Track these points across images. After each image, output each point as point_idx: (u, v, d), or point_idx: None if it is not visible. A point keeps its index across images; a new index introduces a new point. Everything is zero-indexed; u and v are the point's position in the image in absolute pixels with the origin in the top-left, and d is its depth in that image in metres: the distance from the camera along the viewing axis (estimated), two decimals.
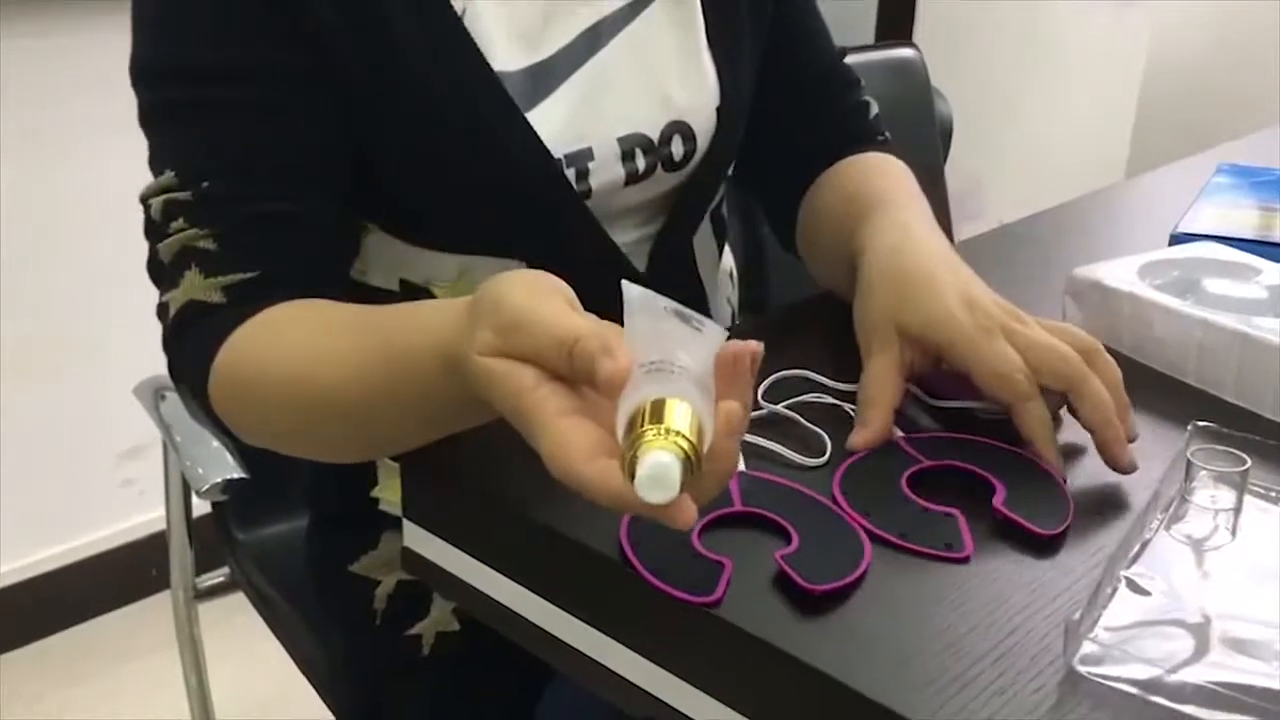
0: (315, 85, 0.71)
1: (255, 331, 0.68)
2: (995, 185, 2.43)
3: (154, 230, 0.71)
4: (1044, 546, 0.59)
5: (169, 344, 0.72)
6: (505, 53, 0.74)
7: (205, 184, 0.69)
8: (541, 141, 0.74)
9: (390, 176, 0.75)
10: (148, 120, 0.73)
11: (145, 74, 0.72)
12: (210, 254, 0.69)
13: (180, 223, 0.69)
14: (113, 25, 1.68)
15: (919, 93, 1.48)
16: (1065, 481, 0.64)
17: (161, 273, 0.71)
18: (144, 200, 0.71)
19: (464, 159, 0.74)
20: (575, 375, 0.49)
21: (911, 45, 1.51)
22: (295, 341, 0.67)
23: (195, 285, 0.69)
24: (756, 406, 0.69)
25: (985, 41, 2.39)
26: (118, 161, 1.69)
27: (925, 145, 1.49)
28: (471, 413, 0.59)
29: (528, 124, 0.74)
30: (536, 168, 0.74)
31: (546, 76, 0.76)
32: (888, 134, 0.93)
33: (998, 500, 0.61)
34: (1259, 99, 2.56)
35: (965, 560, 0.58)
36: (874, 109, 0.95)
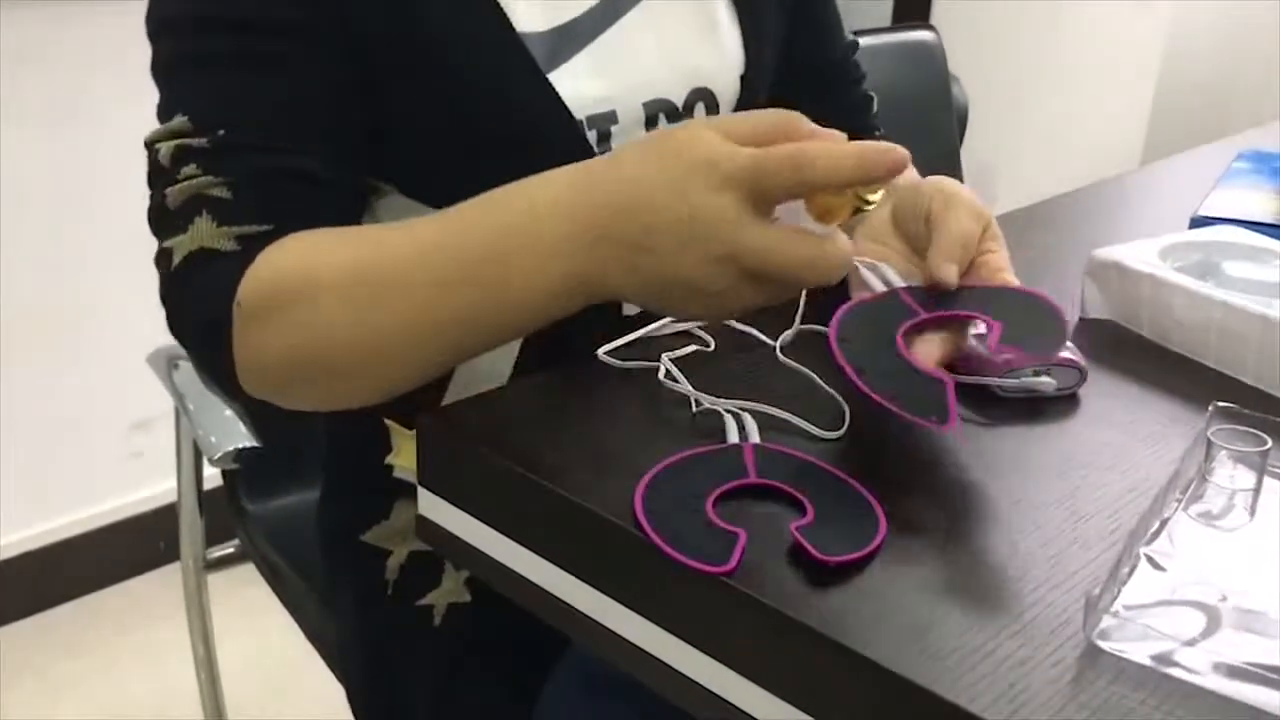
0: (334, 45, 0.70)
1: (292, 245, 0.66)
2: (1008, 172, 2.42)
3: (161, 175, 0.69)
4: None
5: (171, 291, 0.69)
6: (526, 15, 0.74)
7: (222, 132, 0.68)
8: (562, 101, 0.74)
9: (411, 137, 0.75)
10: (166, 67, 0.71)
11: (167, 22, 0.71)
12: (224, 202, 0.67)
13: (192, 169, 0.68)
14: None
15: (937, 77, 1.47)
16: (1060, 310, 0.65)
17: (164, 218, 0.69)
18: (150, 144, 0.70)
19: (485, 117, 0.74)
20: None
21: (930, 28, 1.50)
22: (348, 239, 0.66)
23: (205, 232, 0.67)
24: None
25: (1002, 27, 2.38)
26: (128, 131, 1.70)
27: (942, 130, 1.49)
28: (562, 278, 0.61)
29: (549, 83, 0.74)
30: (557, 127, 0.74)
31: (568, 40, 0.76)
32: (883, 130, 0.95)
33: (993, 339, 0.63)
34: (1276, 93, 2.55)
35: (947, 430, 0.59)
36: (875, 105, 0.96)
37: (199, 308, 0.67)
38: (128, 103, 1.68)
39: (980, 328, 0.66)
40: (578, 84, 0.75)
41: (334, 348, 0.65)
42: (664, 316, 0.70)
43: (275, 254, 0.66)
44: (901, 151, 0.57)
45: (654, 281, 0.59)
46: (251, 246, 0.67)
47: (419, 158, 0.76)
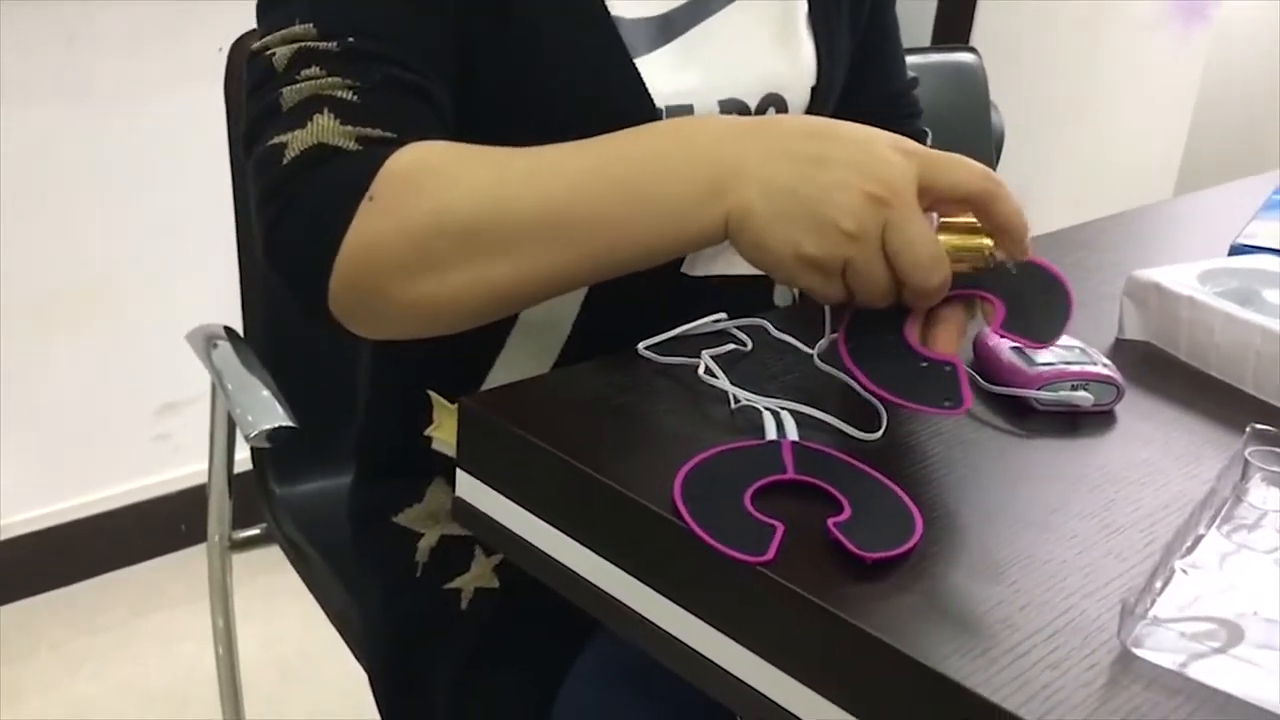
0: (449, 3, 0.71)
1: (427, 144, 0.65)
2: (1041, 198, 2.42)
3: (274, 78, 0.67)
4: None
5: (283, 186, 0.65)
6: (621, 1, 0.76)
7: (351, 39, 0.67)
8: (646, 88, 0.76)
9: (494, 109, 0.76)
10: None
11: None
12: (348, 104, 0.66)
13: (315, 70, 0.66)
14: None
15: (977, 98, 1.48)
16: (1068, 287, 0.65)
17: (274, 118, 0.67)
18: (261, 50, 0.68)
19: (570, 95, 0.75)
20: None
21: (971, 50, 1.51)
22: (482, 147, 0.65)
23: (327, 129, 0.65)
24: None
25: (1039, 53, 2.38)
26: (175, 114, 1.72)
27: (979, 151, 1.50)
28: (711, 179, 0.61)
29: (636, 70, 0.76)
30: (638, 114, 0.75)
31: (659, 30, 0.78)
32: None
33: (997, 323, 0.64)
34: None
35: (962, 414, 0.62)
36: (929, 140, 0.98)
37: (317, 200, 0.65)
38: (170, 84, 1.71)
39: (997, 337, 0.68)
40: (663, 74, 0.77)
41: (475, 219, 0.63)
42: (761, 255, 0.61)
43: (410, 150, 0.65)
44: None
45: (792, 191, 0.59)
46: (374, 150, 0.65)
47: (496, 131, 0.76)
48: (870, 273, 0.59)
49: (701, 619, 0.57)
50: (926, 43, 2.35)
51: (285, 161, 0.65)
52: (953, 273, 0.63)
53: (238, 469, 1.12)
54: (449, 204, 0.63)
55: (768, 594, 0.53)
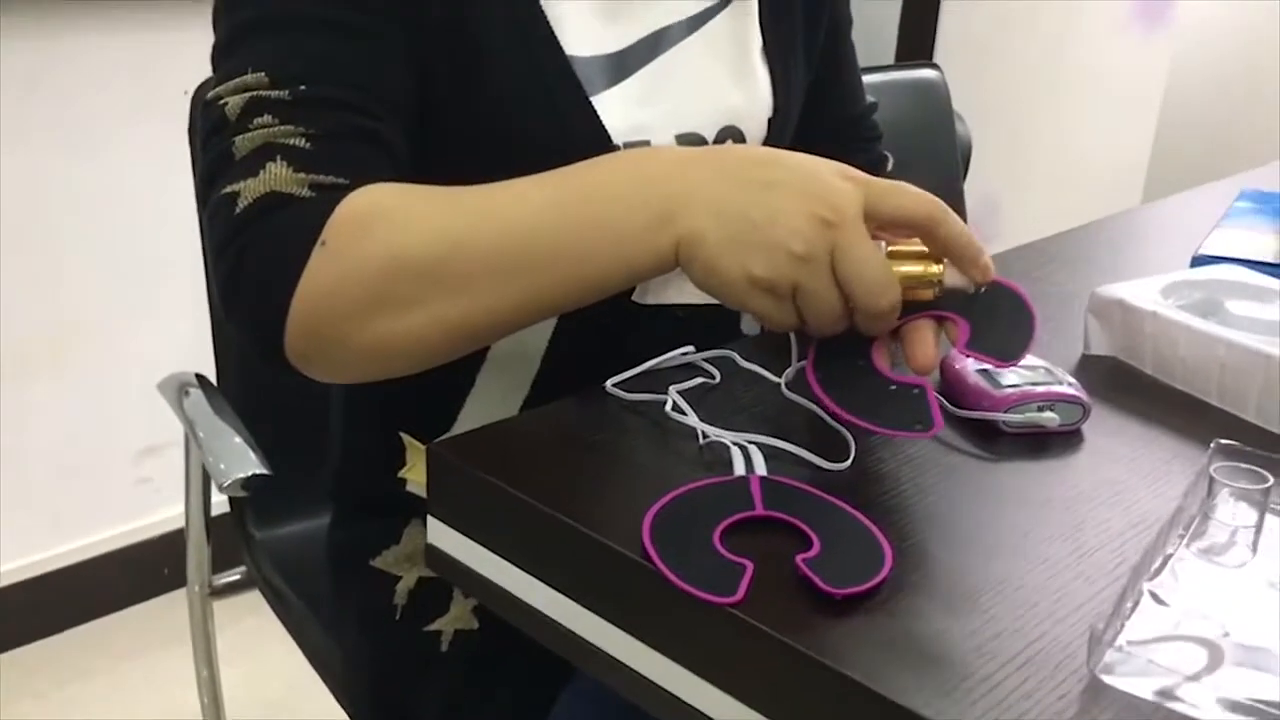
0: (405, 41, 0.72)
1: (379, 187, 0.65)
2: (1010, 209, 2.43)
3: (226, 127, 0.68)
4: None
5: (237, 235, 0.65)
6: (577, 39, 0.77)
7: (303, 87, 0.67)
8: (603, 125, 0.76)
9: (452, 147, 0.76)
10: (241, 29, 0.70)
11: None
12: (302, 151, 0.66)
13: (268, 119, 0.67)
14: (140, 25, 1.69)
15: (941, 113, 1.49)
16: (1031, 306, 0.65)
17: (228, 166, 0.67)
18: (214, 100, 0.69)
19: (528, 134, 0.76)
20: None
21: (934, 66, 1.52)
22: (435, 187, 0.65)
23: (279, 177, 0.66)
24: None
25: (1004, 65, 2.40)
26: (143, 156, 1.72)
27: (946, 166, 1.50)
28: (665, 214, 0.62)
29: (592, 107, 0.76)
30: (595, 150, 0.75)
31: (613, 68, 0.78)
32: None
33: (961, 343, 0.65)
34: (1276, 133, 2.57)
35: (933, 436, 0.62)
36: (890, 164, 0.98)
37: (270, 248, 0.65)
38: (136, 128, 1.71)
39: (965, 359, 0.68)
40: (619, 110, 0.78)
41: (430, 258, 0.63)
42: (712, 280, 0.62)
43: (362, 194, 0.65)
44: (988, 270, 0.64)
45: (742, 215, 0.60)
46: (326, 196, 0.65)
47: (454, 169, 0.77)
48: (820, 295, 0.60)
49: (675, 661, 0.56)
50: (890, 56, 2.36)
51: (238, 210, 0.66)
52: (910, 300, 0.63)
53: (217, 511, 1.11)
54: (403, 245, 0.63)
55: (739, 634, 0.53)
